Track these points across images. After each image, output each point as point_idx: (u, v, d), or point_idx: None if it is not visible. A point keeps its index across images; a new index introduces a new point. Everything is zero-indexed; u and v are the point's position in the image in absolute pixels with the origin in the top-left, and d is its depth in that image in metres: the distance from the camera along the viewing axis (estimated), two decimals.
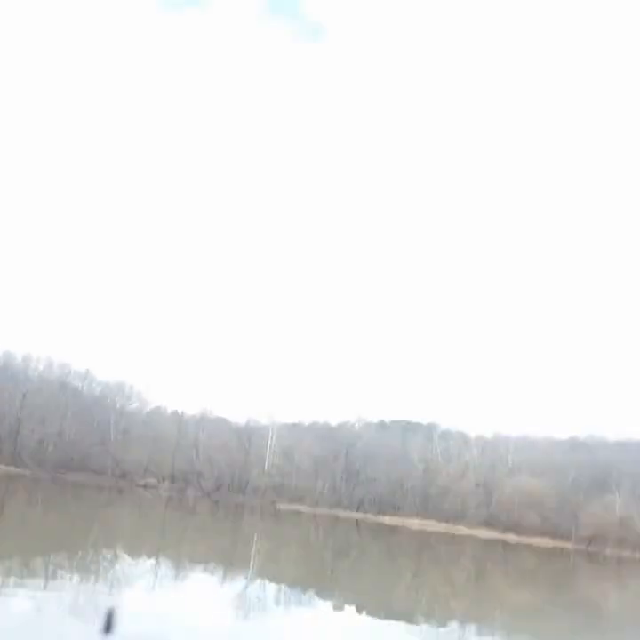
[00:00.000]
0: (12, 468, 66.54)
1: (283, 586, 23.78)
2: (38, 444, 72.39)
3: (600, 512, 73.03)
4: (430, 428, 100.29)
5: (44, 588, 17.47)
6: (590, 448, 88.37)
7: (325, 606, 21.16)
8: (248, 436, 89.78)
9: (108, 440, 79.29)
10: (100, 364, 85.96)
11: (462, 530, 74.11)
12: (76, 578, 19.59)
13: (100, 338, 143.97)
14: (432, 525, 74.65)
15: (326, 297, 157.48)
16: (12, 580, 18.15)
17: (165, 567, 24.89)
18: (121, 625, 13.81)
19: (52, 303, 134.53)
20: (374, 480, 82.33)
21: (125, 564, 24.67)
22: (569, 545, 69.04)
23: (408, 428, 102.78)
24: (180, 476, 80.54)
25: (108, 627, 4.54)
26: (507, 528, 73.95)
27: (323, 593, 23.10)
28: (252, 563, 29.46)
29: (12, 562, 21.24)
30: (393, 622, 19.22)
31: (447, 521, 75.93)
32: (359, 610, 20.69)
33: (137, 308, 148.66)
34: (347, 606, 21.25)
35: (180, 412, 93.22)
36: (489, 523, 75.68)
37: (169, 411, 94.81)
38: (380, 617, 19.52)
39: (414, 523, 75.61)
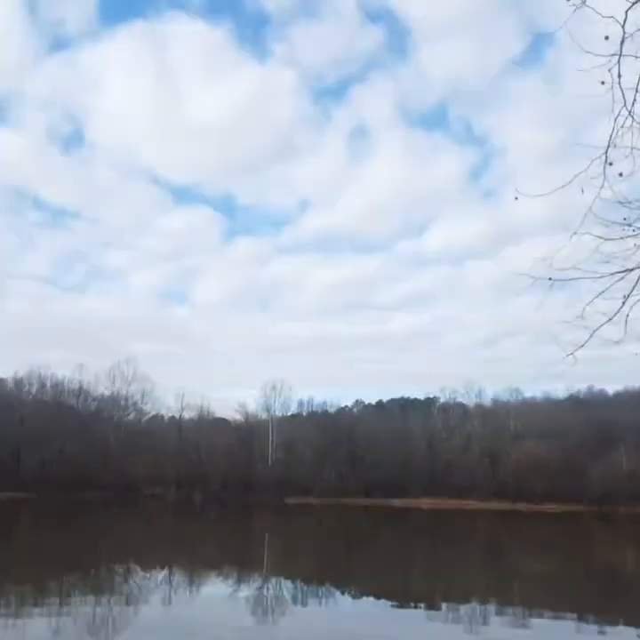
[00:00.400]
0: (16, 494, 66.07)
1: (298, 582, 23.60)
2: (40, 467, 71.94)
3: (608, 470, 73.20)
4: (429, 403, 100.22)
5: (60, 609, 17.25)
6: (591, 405, 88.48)
7: (343, 598, 20.97)
8: (249, 433, 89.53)
9: (109, 454, 78.79)
10: (92, 378, 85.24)
11: (473, 504, 74.08)
12: (90, 596, 19.35)
13: (88, 351, 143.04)
14: (442, 503, 74.66)
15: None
16: (27, 604, 18.01)
17: (179, 577, 24.68)
18: None
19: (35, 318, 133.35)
20: (379, 463, 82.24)
21: (139, 577, 24.43)
22: (581, 508, 69.04)
23: (406, 405, 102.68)
24: (186, 482, 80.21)
25: None
26: (517, 497, 73.96)
27: (339, 584, 22.91)
28: (265, 562, 29.27)
29: (25, 587, 21.01)
30: (413, 607, 19.05)
31: (457, 496, 75.83)
32: (377, 597, 20.51)
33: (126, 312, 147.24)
34: (364, 596, 21.07)
35: (178, 417, 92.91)
36: (499, 493, 75.68)
37: (167, 417, 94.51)
38: (399, 603, 19.33)
39: (424, 502, 75.62)
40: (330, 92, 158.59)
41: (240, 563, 28.41)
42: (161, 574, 25.13)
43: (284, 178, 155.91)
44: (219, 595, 20.69)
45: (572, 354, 6.90)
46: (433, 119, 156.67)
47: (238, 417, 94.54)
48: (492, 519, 62.24)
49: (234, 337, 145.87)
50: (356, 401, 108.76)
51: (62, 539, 36.96)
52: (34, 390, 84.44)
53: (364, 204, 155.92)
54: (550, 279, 6.74)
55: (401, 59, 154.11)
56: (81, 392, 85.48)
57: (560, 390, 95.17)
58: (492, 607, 18.60)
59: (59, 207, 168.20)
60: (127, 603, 18.66)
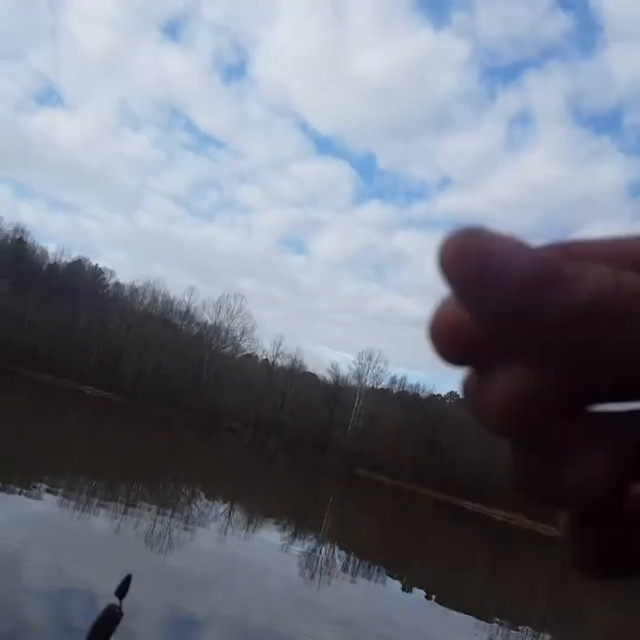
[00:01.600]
0: (109, 394, 69.53)
1: (352, 554, 23.25)
2: (136, 375, 75.17)
3: None
4: None
5: (124, 512, 17.74)
6: None
7: (393, 584, 20.45)
8: (335, 395, 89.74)
9: (199, 380, 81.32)
10: (200, 304, 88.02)
11: (552, 531, 71.10)
12: (154, 508, 19.79)
13: (199, 277, 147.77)
14: (516, 519, 71.96)
15: None
16: (96, 496, 18.66)
17: (239, 514, 24.90)
18: (190, 563, 13.39)
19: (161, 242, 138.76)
20: (460, 461, 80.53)
21: (201, 503, 24.89)
22: None
23: None
24: (264, 426, 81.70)
25: (121, 591, 4.36)
26: None
27: (392, 570, 22.36)
28: (324, 525, 29.10)
29: (99, 481, 21.86)
30: (462, 615, 18.24)
31: (535, 518, 72.99)
32: (429, 595, 19.81)
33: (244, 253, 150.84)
34: (416, 589, 20.43)
35: (271, 361, 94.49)
36: None
37: (260, 359, 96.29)
38: (449, 607, 18.55)
39: (498, 514, 73.33)
40: (500, 72, 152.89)
41: (299, 518, 28.41)
42: (223, 507, 25.49)
43: (431, 150, 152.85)
44: (272, 542, 20.69)
45: None
46: (604, 122, 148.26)
47: (328, 377, 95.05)
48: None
49: (340, 298, 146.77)
50: (450, 392, 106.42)
51: (141, 447, 38.39)
52: (145, 302, 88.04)
53: (509, 194, 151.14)
54: None
55: (585, 53, 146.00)
56: (187, 315, 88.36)
57: None
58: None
59: (207, 134, 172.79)
60: (186, 525, 18.93)
